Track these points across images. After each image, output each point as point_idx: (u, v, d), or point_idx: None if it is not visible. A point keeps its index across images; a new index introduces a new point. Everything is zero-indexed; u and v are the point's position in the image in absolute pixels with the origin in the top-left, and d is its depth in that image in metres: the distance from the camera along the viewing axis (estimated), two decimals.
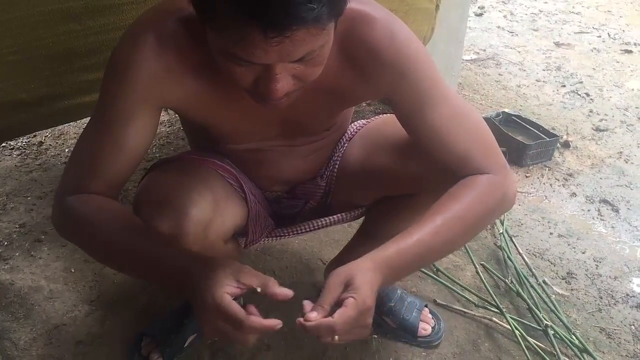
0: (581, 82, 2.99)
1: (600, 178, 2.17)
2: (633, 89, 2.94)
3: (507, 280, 1.61)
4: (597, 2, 4.31)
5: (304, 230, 1.22)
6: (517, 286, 1.58)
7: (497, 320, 1.48)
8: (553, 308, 1.52)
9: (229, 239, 1.09)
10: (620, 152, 2.35)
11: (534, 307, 1.51)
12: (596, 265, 1.73)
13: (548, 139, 2.22)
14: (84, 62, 1.27)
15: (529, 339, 1.42)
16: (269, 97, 0.79)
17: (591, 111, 2.69)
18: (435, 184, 1.02)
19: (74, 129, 2.23)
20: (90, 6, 1.21)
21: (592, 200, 2.04)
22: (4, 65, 1.18)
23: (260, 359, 1.34)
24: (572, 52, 3.39)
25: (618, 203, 2.03)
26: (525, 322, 1.48)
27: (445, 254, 0.98)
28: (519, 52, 3.36)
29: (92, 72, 1.28)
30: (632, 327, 1.52)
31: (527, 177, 2.15)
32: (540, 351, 1.39)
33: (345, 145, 1.23)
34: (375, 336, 1.42)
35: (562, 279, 1.67)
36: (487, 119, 2.28)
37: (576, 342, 1.41)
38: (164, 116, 2.34)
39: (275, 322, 0.79)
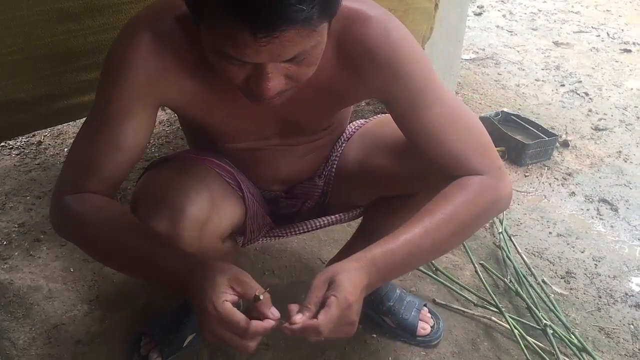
0: (580, 82, 2.99)
1: (599, 177, 2.17)
2: (632, 89, 2.94)
3: (506, 280, 1.61)
4: (596, 2, 4.31)
5: (302, 230, 1.22)
6: (516, 285, 1.58)
7: (496, 320, 1.48)
8: (552, 307, 1.52)
9: (226, 237, 1.09)
10: (619, 152, 2.35)
11: (533, 307, 1.51)
12: (595, 264, 1.73)
13: (547, 139, 2.22)
14: (83, 62, 1.27)
15: (528, 338, 1.42)
16: (260, 96, 0.80)
17: (590, 110, 2.69)
18: (432, 184, 1.02)
19: (73, 128, 2.23)
20: (89, 6, 1.21)
21: (591, 200, 2.04)
22: (3, 64, 1.18)
23: (260, 358, 1.34)
24: (571, 52, 3.39)
25: (617, 202, 2.03)
26: (525, 321, 1.48)
27: (437, 255, 0.97)
28: (518, 51, 3.36)
29: (91, 71, 1.28)
30: (631, 326, 1.52)
31: (526, 176, 2.15)
32: (540, 350, 1.39)
33: (344, 145, 1.23)
34: (375, 335, 1.42)
35: (561, 278, 1.67)
36: (486, 119, 2.28)
37: (575, 341, 1.42)
38: (163, 116, 2.34)
39: (271, 323, 0.79)
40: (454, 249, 1.65)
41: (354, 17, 0.89)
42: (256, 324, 0.78)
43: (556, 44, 3.51)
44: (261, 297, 0.79)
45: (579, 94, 2.85)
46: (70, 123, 2.19)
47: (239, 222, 1.10)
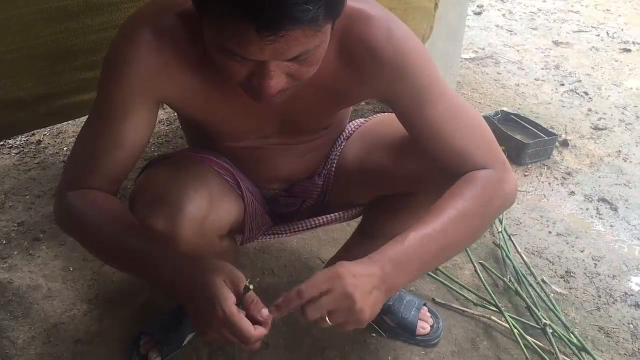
0: (580, 81, 2.99)
1: (599, 177, 2.17)
2: (632, 88, 2.95)
3: (505, 279, 1.61)
4: (595, 1, 4.32)
5: (301, 229, 1.22)
6: (516, 285, 1.59)
7: (495, 319, 1.48)
8: (551, 307, 1.52)
9: (224, 235, 1.09)
10: (619, 151, 2.35)
11: (532, 306, 1.51)
12: (595, 264, 1.73)
13: (547, 138, 2.22)
14: (82, 61, 1.27)
15: (528, 337, 1.42)
16: (262, 94, 0.80)
17: (590, 110, 2.69)
18: (432, 184, 1.02)
19: (73, 127, 2.23)
20: (88, 4, 1.20)
21: (590, 199, 2.04)
22: (2, 63, 1.18)
23: (260, 357, 1.34)
24: (571, 51, 3.39)
25: (616, 202, 2.03)
26: (524, 320, 1.48)
27: (452, 251, 0.95)
28: (518, 50, 3.36)
29: (90, 70, 1.28)
30: (631, 325, 1.52)
31: (525, 175, 2.15)
32: (539, 350, 1.39)
33: (343, 144, 1.23)
34: (374, 335, 1.42)
35: (561, 278, 1.67)
36: (485, 118, 2.28)
37: (574, 340, 1.42)
38: (162, 115, 2.34)
39: (269, 326, 0.80)
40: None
41: (355, 17, 0.89)
42: (260, 331, 0.78)
43: (556, 43, 3.51)
44: (251, 286, 0.79)
45: (578, 94, 2.85)
46: (69, 122, 2.19)
47: (238, 220, 1.10)
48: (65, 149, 2.11)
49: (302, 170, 1.21)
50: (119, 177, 0.96)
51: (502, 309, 1.48)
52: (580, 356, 1.39)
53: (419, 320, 1.41)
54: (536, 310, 1.49)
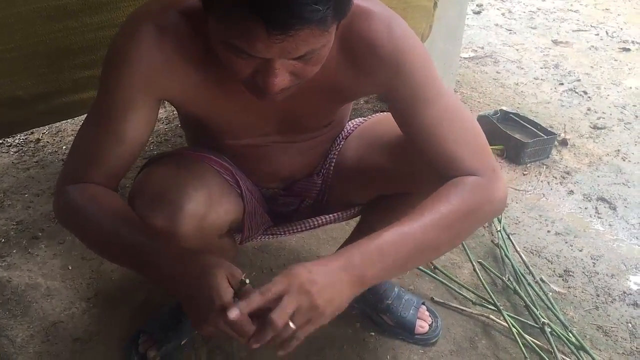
0: (579, 80, 2.99)
1: (598, 176, 2.18)
2: (631, 87, 2.95)
3: (504, 278, 1.61)
4: (595, 1, 4.32)
5: (300, 229, 1.22)
6: (515, 284, 1.59)
7: (494, 318, 1.49)
8: (550, 306, 1.53)
9: (224, 234, 1.09)
10: (618, 150, 2.36)
11: (531, 305, 1.51)
12: (593, 263, 1.74)
13: (546, 137, 2.22)
14: (81, 59, 1.27)
15: (526, 336, 1.42)
16: (265, 91, 0.80)
17: (589, 109, 2.69)
18: (430, 184, 1.02)
19: (72, 126, 2.23)
20: (87, 3, 1.20)
21: (589, 198, 2.04)
22: (1, 62, 1.18)
23: (258, 356, 1.34)
24: (570, 50, 3.39)
25: (615, 201, 2.03)
26: (523, 319, 1.49)
27: (431, 253, 0.94)
28: (517, 50, 3.36)
29: (89, 69, 1.28)
30: (629, 324, 1.53)
31: (524, 175, 2.15)
32: (537, 349, 1.40)
33: (342, 142, 1.23)
34: (373, 334, 1.43)
35: (559, 277, 1.67)
36: (485, 117, 2.28)
37: (573, 339, 1.42)
38: (161, 114, 2.34)
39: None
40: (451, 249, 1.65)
41: (357, 13, 0.89)
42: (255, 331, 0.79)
43: (555, 42, 3.51)
44: (247, 281, 0.79)
45: (577, 93, 2.86)
46: (68, 121, 2.19)
47: (237, 219, 1.10)
48: (64, 147, 2.11)
49: (302, 168, 1.21)
50: (119, 173, 0.96)
51: (501, 308, 1.48)
52: (578, 355, 1.39)
53: (417, 319, 1.41)
54: (535, 309, 1.49)
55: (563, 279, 1.66)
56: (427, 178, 1.03)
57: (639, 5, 4.29)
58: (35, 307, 1.44)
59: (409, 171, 1.06)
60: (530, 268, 1.66)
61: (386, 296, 1.41)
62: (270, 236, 1.22)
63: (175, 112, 2.30)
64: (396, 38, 0.91)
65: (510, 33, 3.62)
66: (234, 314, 0.76)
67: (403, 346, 1.40)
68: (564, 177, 2.15)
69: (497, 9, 4.06)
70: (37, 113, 1.30)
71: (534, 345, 1.40)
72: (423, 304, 1.46)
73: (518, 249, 1.73)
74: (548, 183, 2.12)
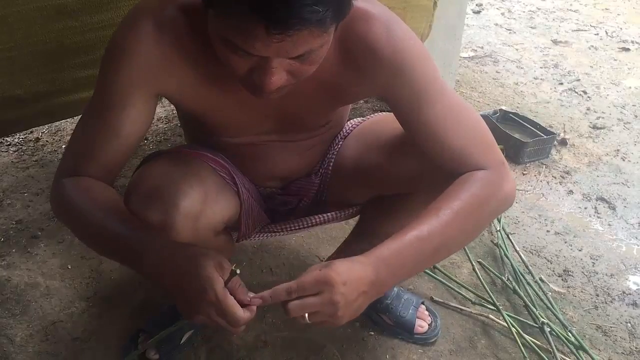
0: (578, 80, 2.99)
1: (597, 176, 2.18)
2: (630, 87, 2.95)
3: (503, 278, 1.61)
4: (595, 0, 4.32)
5: (298, 227, 1.22)
6: (514, 283, 1.59)
7: (493, 318, 1.49)
8: (549, 305, 1.53)
9: (220, 232, 1.09)
10: (618, 150, 2.36)
11: (530, 305, 1.51)
12: (593, 262, 1.74)
13: (545, 137, 2.22)
14: (80, 59, 1.27)
15: (526, 336, 1.42)
16: (262, 89, 0.80)
17: (588, 109, 2.69)
18: (429, 184, 1.02)
19: (71, 125, 2.22)
20: (87, 2, 1.20)
21: (589, 198, 2.04)
22: (0, 61, 1.18)
23: (258, 355, 1.35)
24: (570, 50, 3.39)
25: (615, 201, 2.03)
26: (522, 319, 1.49)
27: (447, 252, 0.96)
28: (517, 49, 3.36)
29: (89, 68, 1.28)
30: (628, 324, 1.53)
31: (524, 174, 2.15)
32: (537, 348, 1.40)
33: (341, 142, 1.23)
34: (372, 333, 1.43)
35: (559, 277, 1.67)
36: (484, 117, 2.28)
37: (572, 339, 1.42)
38: (161, 113, 2.33)
39: (253, 309, 0.82)
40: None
41: (356, 15, 0.89)
42: (246, 315, 0.81)
43: (555, 42, 3.51)
44: (237, 271, 0.80)
45: (577, 93, 2.86)
46: (68, 120, 2.19)
47: (234, 216, 1.10)
48: (63, 146, 2.11)
49: (300, 168, 1.21)
50: (115, 168, 0.96)
51: (500, 307, 1.48)
52: (578, 355, 1.39)
53: (416, 319, 1.41)
54: (534, 309, 1.49)
55: (562, 279, 1.66)
56: (426, 178, 1.03)
57: (638, 5, 4.29)
58: (35, 307, 1.44)
59: (408, 171, 1.07)
60: (530, 268, 1.66)
61: (385, 295, 1.41)
62: (268, 234, 1.22)
63: (174, 112, 2.29)
64: (396, 39, 0.91)
65: (509, 33, 3.62)
66: (252, 296, 0.81)
67: (402, 346, 1.40)
68: (563, 177, 2.15)
69: (497, 8, 4.06)
70: (36, 112, 1.30)
71: (534, 345, 1.40)
72: (422, 303, 1.46)
73: (517, 249, 1.73)
74: (547, 183, 2.12)
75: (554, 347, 1.39)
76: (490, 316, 1.49)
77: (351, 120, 1.26)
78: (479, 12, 3.95)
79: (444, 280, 1.59)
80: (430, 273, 1.61)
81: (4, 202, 1.79)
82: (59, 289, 1.50)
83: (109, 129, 0.93)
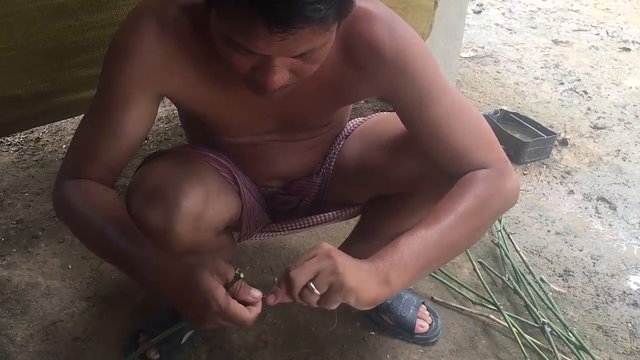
0: (579, 80, 2.99)
1: (598, 176, 2.17)
2: (631, 87, 2.95)
3: (504, 278, 1.61)
4: (595, 0, 4.32)
5: (299, 227, 1.22)
6: (515, 283, 1.59)
7: (494, 318, 1.49)
8: (550, 305, 1.53)
9: (221, 232, 1.09)
10: (618, 150, 2.36)
11: (531, 305, 1.51)
12: (593, 262, 1.73)
13: (546, 137, 2.22)
14: (81, 58, 1.27)
15: (526, 336, 1.42)
16: (264, 88, 0.80)
17: (589, 109, 2.69)
18: (430, 183, 1.02)
19: (71, 125, 2.23)
20: (87, 1, 1.20)
21: (589, 198, 2.04)
22: (0, 60, 1.18)
23: (258, 355, 1.34)
24: (571, 50, 3.39)
25: (615, 201, 2.03)
26: (523, 319, 1.49)
27: (453, 253, 0.95)
28: (517, 49, 3.36)
29: (89, 68, 1.28)
30: (629, 324, 1.53)
31: (524, 174, 2.15)
32: (537, 348, 1.39)
33: (342, 142, 1.23)
34: (373, 333, 1.42)
35: (559, 277, 1.67)
36: (485, 117, 2.27)
37: (573, 339, 1.42)
38: (162, 113, 2.33)
39: (260, 306, 0.82)
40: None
41: (358, 15, 0.89)
42: (254, 312, 0.81)
43: (555, 42, 3.51)
44: (241, 275, 0.80)
45: (578, 93, 2.85)
46: (68, 120, 2.19)
47: (235, 216, 1.10)
48: (64, 146, 2.11)
49: (301, 168, 1.21)
50: (116, 168, 0.97)
51: (501, 307, 1.48)
52: (578, 355, 1.39)
53: (417, 319, 1.41)
54: (535, 309, 1.49)
55: (563, 279, 1.66)
56: (427, 178, 1.03)
57: (639, 5, 4.28)
58: (35, 306, 1.44)
59: (409, 171, 1.06)
60: (530, 268, 1.66)
61: None
62: (269, 234, 1.22)
63: (175, 111, 2.30)
64: (398, 38, 0.91)
65: (510, 33, 3.62)
66: (255, 294, 0.81)
67: (403, 345, 1.40)
68: (564, 177, 2.15)
69: (498, 8, 4.06)
70: (37, 112, 1.30)
71: (534, 345, 1.40)
72: (423, 303, 1.46)
73: (518, 249, 1.73)
74: (548, 183, 2.12)
75: (554, 347, 1.39)
76: (491, 316, 1.49)
77: (352, 120, 1.26)
78: (479, 12, 3.95)
79: (444, 280, 1.59)
80: (431, 273, 1.61)
81: (4, 202, 1.79)
82: (59, 288, 1.50)
83: (111, 130, 0.93)
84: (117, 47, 0.90)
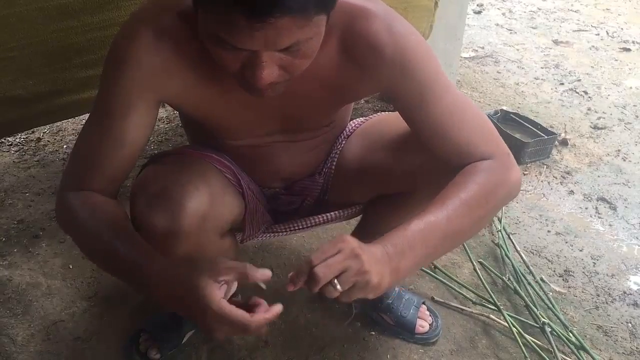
0: (579, 80, 2.99)
1: (598, 176, 2.18)
2: (631, 87, 2.95)
3: (504, 278, 1.61)
4: (595, 1, 4.32)
5: (301, 227, 1.22)
6: (515, 284, 1.59)
7: (494, 318, 1.49)
8: (550, 305, 1.53)
9: (225, 233, 1.09)
10: (618, 150, 2.36)
11: (531, 305, 1.51)
12: (593, 263, 1.74)
13: (546, 137, 2.22)
14: (82, 59, 1.27)
15: (526, 336, 1.42)
16: (254, 84, 0.80)
17: (589, 109, 2.69)
18: (432, 182, 1.02)
19: (72, 125, 2.23)
20: (88, 2, 1.21)
21: (589, 198, 2.04)
22: (2, 61, 1.18)
23: (259, 355, 1.35)
24: (571, 50, 3.39)
25: (615, 201, 2.03)
26: (523, 319, 1.49)
27: (456, 242, 0.95)
28: (518, 49, 3.36)
29: (90, 68, 1.28)
30: (629, 324, 1.53)
31: (525, 174, 2.15)
32: (538, 348, 1.40)
33: (343, 142, 1.23)
34: (373, 333, 1.43)
35: (560, 277, 1.67)
36: None
37: (573, 339, 1.42)
38: (162, 113, 2.34)
39: (277, 309, 0.80)
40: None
41: (357, 13, 0.90)
42: (258, 316, 0.79)
43: (555, 42, 3.51)
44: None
45: (578, 93, 2.86)
46: (69, 120, 2.19)
47: (238, 218, 1.10)
48: (64, 146, 2.11)
49: (303, 168, 1.21)
50: (119, 176, 0.96)
51: (501, 307, 1.49)
52: (578, 355, 1.39)
53: (417, 319, 1.41)
54: (535, 309, 1.49)
55: (563, 279, 1.67)
56: (432, 175, 1.03)
57: (639, 5, 4.28)
58: (36, 306, 1.44)
59: (411, 170, 1.07)
60: (531, 268, 1.66)
61: (386, 295, 1.42)
62: (272, 234, 1.23)
63: (176, 112, 2.30)
64: (398, 36, 0.91)
65: (510, 33, 3.62)
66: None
67: (403, 345, 1.40)
68: (564, 177, 2.15)
69: (498, 8, 4.06)
70: (38, 112, 1.30)
71: (534, 345, 1.40)
72: (423, 303, 1.46)
73: (518, 249, 1.73)
74: (548, 183, 2.12)
75: (554, 347, 1.39)
76: (491, 316, 1.49)
77: (353, 120, 1.27)
78: (479, 12, 3.95)
79: (445, 281, 1.59)
80: (431, 273, 1.61)
81: (5, 202, 1.80)
82: (60, 288, 1.50)
83: (112, 139, 0.92)
84: (116, 55, 0.90)
